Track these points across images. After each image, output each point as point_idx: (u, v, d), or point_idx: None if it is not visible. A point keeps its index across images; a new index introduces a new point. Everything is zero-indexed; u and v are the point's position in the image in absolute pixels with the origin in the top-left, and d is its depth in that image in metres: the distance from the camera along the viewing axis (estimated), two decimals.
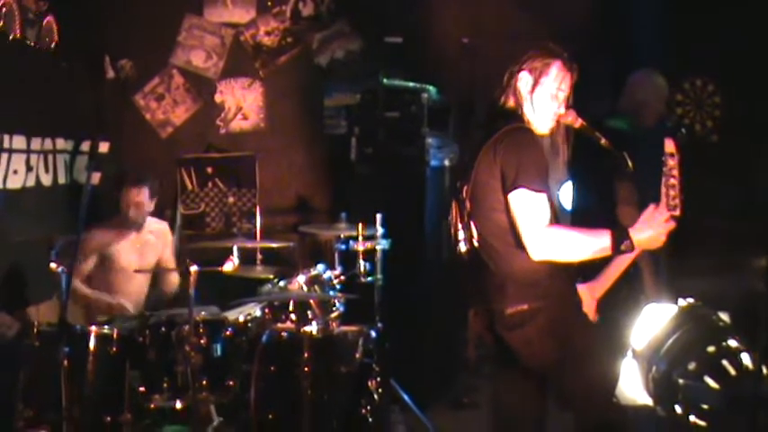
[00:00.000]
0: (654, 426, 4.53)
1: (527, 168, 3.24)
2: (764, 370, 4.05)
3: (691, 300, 4.64)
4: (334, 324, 4.60)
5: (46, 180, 5.42)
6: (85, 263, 5.00)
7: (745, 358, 4.27)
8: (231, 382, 4.28)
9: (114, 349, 4.18)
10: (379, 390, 4.48)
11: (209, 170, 6.65)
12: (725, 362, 4.29)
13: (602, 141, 3.52)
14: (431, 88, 5.94)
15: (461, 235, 3.50)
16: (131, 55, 6.49)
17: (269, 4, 6.65)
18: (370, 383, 4.45)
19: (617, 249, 3.25)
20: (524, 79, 3.43)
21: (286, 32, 6.66)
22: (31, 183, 5.25)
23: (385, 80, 5.87)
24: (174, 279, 5.43)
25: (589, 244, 3.26)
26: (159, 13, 6.55)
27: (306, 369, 4.14)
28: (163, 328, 4.24)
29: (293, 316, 4.47)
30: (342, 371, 4.37)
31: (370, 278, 5.04)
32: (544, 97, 3.43)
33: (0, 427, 4.12)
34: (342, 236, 5.10)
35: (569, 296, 3.46)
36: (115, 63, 6.41)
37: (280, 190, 6.68)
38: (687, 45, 6.04)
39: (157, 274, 5.37)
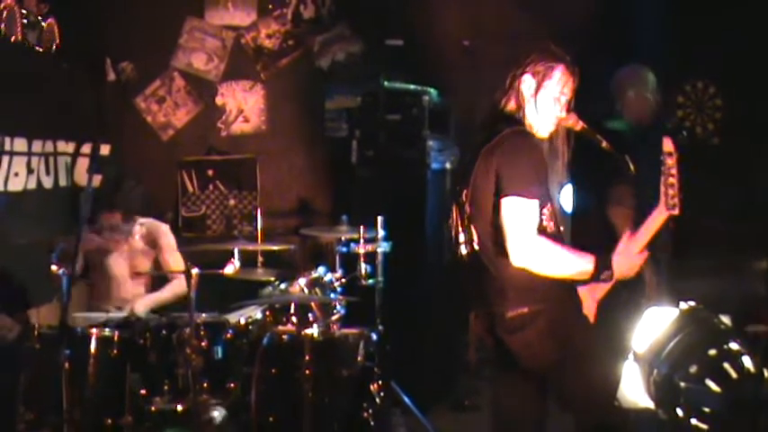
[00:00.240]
0: (655, 429, 4.52)
1: (522, 175, 3.24)
2: (766, 373, 4.04)
3: (692, 302, 4.63)
4: (335, 327, 4.60)
5: (47, 182, 5.42)
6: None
7: (747, 361, 4.26)
8: (232, 385, 4.29)
9: (115, 352, 4.18)
10: (381, 392, 4.48)
11: (210, 173, 6.66)
12: (726, 365, 4.28)
13: (604, 144, 3.52)
14: (432, 91, 5.94)
15: (462, 238, 3.50)
16: (132, 57, 6.49)
17: (270, 6, 6.66)
18: (371, 386, 4.45)
19: (596, 277, 3.29)
20: (527, 82, 3.42)
21: (287, 35, 6.67)
22: (32, 185, 5.25)
23: (386, 83, 5.87)
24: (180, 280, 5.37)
25: (571, 264, 3.27)
26: (160, 15, 6.55)
27: (307, 372, 4.14)
28: (164, 331, 4.25)
29: (294, 318, 4.47)
30: (343, 373, 4.37)
31: (371, 281, 5.04)
32: (547, 101, 3.42)
33: (1, 429, 4.12)
34: (343, 238, 5.10)
35: (569, 299, 3.46)
36: (116, 65, 6.41)
37: (281, 192, 6.68)
38: (688, 47, 6.04)
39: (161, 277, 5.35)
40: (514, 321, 3.34)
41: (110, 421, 4.11)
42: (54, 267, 3.93)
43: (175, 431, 4.17)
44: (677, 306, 4.59)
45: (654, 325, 4.54)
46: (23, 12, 5.18)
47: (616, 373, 3.69)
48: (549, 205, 3.33)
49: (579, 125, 3.51)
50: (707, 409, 4.23)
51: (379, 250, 5.04)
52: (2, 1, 4.98)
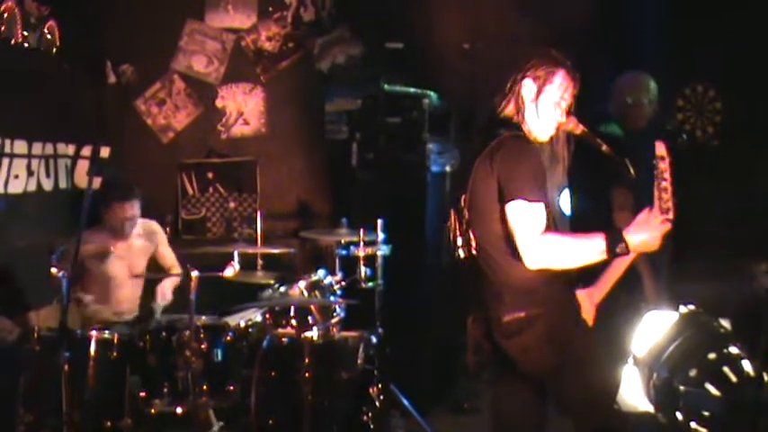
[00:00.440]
0: None
1: (524, 178, 3.24)
2: (765, 377, 4.04)
3: (691, 306, 4.63)
4: (334, 329, 4.60)
5: (47, 185, 5.42)
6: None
7: (746, 365, 4.26)
8: (232, 388, 4.29)
9: (115, 354, 4.19)
10: (380, 395, 4.48)
11: (210, 175, 6.66)
12: (726, 369, 4.28)
13: (604, 148, 3.52)
14: (432, 94, 5.95)
15: (459, 242, 3.50)
16: (133, 60, 6.49)
17: (270, 9, 6.66)
18: (370, 389, 4.45)
19: (612, 253, 3.24)
20: (528, 87, 3.42)
21: (287, 38, 6.67)
22: (32, 188, 5.25)
23: (386, 85, 5.88)
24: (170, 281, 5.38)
25: (584, 249, 3.25)
26: (160, 18, 6.55)
27: (306, 374, 4.14)
28: (163, 333, 4.25)
29: (294, 321, 4.47)
30: (342, 376, 4.37)
31: (370, 284, 5.04)
32: (547, 105, 3.43)
33: (1, 431, 4.12)
34: (342, 241, 5.10)
35: (567, 303, 3.46)
36: (116, 68, 6.41)
37: (281, 195, 6.68)
38: (688, 50, 6.04)
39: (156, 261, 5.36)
40: (511, 326, 3.34)
41: (109, 423, 4.12)
42: (54, 270, 3.93)
43: None
44: (677, 310, 4.60)
45: (653, 328, 4.54)
46: (24, 14, 5.18)
47: (615, 377, 3.69)
48: (547, 209, 3.33)
49: (579, 129, 3.51)
50: (706, 413, 4.23)
51: (379, 253, 5.04)
52: (2, 3, 4.98)
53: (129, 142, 6.52)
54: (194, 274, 4.03)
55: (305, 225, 6.33)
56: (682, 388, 4.28)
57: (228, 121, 6.71)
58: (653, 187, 3.30)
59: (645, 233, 3.25)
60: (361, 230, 5.00)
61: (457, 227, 3.51)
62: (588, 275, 3.78)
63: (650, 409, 4.49)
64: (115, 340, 4.20)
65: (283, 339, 4.45)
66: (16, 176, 5.06)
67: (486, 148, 3.34)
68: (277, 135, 6.70)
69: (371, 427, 4.37)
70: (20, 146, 5.09)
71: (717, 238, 5.80)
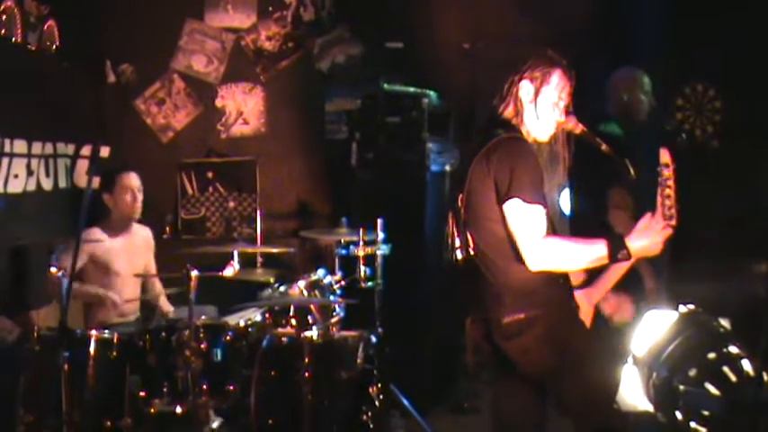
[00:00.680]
0: None
1: (520, 179, 3.24)
2: (765, 376, 4.04)
3: (691, 306, 4.63)
4: (334, 329, 4.60)
5: (47, 184, 5.42)
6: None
7: (746, 365, 4.26)
8: (231, 387, 4.28)
9: (114, 354, 4.18)
10: (380, 395, 4.48)
11: (210, 175, 6.67)
12: (726, 368, 4.28)
13: (603, 147, 3.52)
14: (431, 93, 5.95)
15: (457, 243, 3.50)
16: (132, 59, 6.50)
17: (270, 9, 6.66)
18: (370, 389, 4.45)
19: (614, 258, 3.26)
20: (525, 88, 3.43)
21: (287, 37, 6.67)
22: (31, 187, 5.25)
23: (386, 85, 5.88)
24: (167, 308, 5.40)
25: (586, 253, 3.26)
26: (160, 17, 6.56)
27: (306, 374, 4.14)
28: (163, 333, 4.24)
29: (294, 321, 4.47)
30: (342, 376, 4.37)
31: (370, 283, 5.04)
32: (546, 106, 3.43)
33: (1, 431, 4.12)
34: (342, 241, 5.10)
35: (566, 304, 3.46)
36: (116, 67, 6.42)
37: (280, 195, 6.68)
38: (688, 50, 6.04)
39: (146, 284, 5.35)
40: (511, 327, 3.34)
41: (109, 423, 4.10)
42: (53, 269, 3.93)
43: None
44: (676, 309, 4.60)
45: (653, 328, 4.54)
46: (24, 13, 5.18)
47: (615, 377, 3.68)
48: (546, 210, 3.33)
49: (579, 128, 3.51)
50: (706, 413, 4.23)
51: (379, 253, 5.04)
52: (2, 2, 4.98)
53: (128, 142, 6.52)
54: (194, 273, 4.02)
55: (304, 224, 6.33)
56: (681, 387, 4.28)
57: (228, 120, 6.71)
58: (654, 188, 3.30)
59: (646, 239, 3.26)
60: (361, 230, 4.99)
61: (454, 228, 3.51)
62: (587, 277, 3.80)
63: (650, 408, 4.49)
64: (115, 340, 4.20)
65: (283, 339, 4.44)
66: (16, 176, 5.06)
67: (483, 149, 3.34)
68: (277, 135, 6.70)
69: (371, 426, 4.37)
70: (19, 145, 5.09)
71: (716, 238, 5.80)
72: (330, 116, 6.31)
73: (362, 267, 5.00)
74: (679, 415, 4.29)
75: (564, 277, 3.42)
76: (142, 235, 5.38)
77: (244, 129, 6.72)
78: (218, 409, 4.27)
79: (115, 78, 6.42)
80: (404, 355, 5.01)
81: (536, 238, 3.22)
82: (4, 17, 4.99)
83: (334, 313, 4.65)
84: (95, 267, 5.05)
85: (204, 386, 4.17)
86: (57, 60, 5.57)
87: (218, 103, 6.70)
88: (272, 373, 4.29)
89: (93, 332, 4.18)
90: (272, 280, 4.80)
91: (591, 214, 4.58)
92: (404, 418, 5.09)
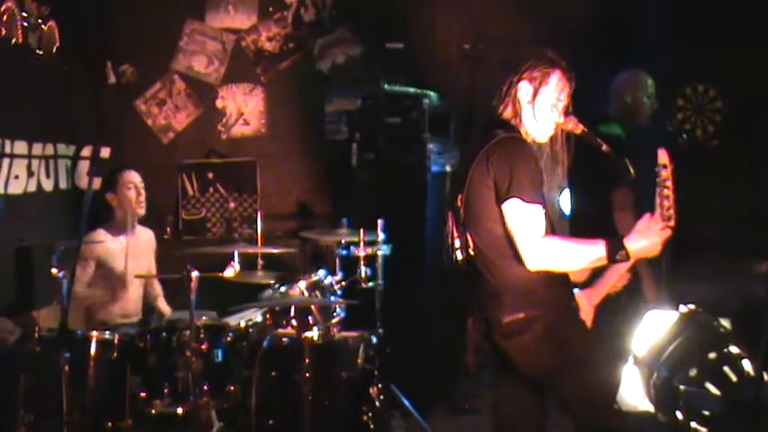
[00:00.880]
0: None
1: (520, 179, 3.25)
2: (766, 376, 4.04)
3: (692, 306, 4.63)
4: (334, 330, 4.60)
5: (47, 185, 5.42)
6: (85, 269, 4.96)
7: (747, 365, 4.26)
8: (232, 388, 4.29)
9: (115, 354, 4.19)
10: (380, 395, 4.48)
11: (211, 175, 6.67)
12: (726, 368, 4.28)
13: (604, 148, 3.53)
14: (432, 94, 5.95)
15: (457, 244, 3.51)
16: (133, 60, 6.49)
17: (270, 9, 6.66)
18: (371, 389, 4.45)
19: (612, 259, 3.26)
20: (524, 89, 3.43)
21: (287, 38, 6.67)
22: (32, 188, 5.25)
23: (386, 86, 5.88)
24: (166, 310, 5.41)
25: (584, 254, 3.27)
26: (160, 18, 6.56)
27: (306, 375, 4.14)
28: (164, 334, 4.25)
29: (294, 321, 4.47)
30: (343, 376, 4.37)
31: (371, 284, 5.04)
32: (544, 107, 3.43)
33: None
34: (343, 241, 5.10)
35: (565, 304, 3.47)
36: (116, 68, 6.41)
37: (281, 195, 6.68)
38: (689, 50, 6.04)
39: (146, 286, 5.36)
40: (511, 327, 3.34)
41: (110, 424, 4.12)
42: (54, 270, 3.93)
43: None
44: (677, 309, 4.60)
45: (653, 328, 4.54)
46: (24, 14, 5.18)
47: (615, 377, 3.69)
48: (546, 210, 3.33)
49: (579, 129, 3.51)
50: (706, 413, 4.23)
51: (379, 253, 5.04)
52: (2, 3, 4.98)
53: (129, 143, 6.52)
54: (194, 274, 4.03)
55: (305, 225, 6.33)
56: (682, 387, 4.28)
57: (228, 121, 6.71)
58: (654, 190, 3.30)
59: (645, 240, 3.27)
60: (362, 230, 5.00)
61: (454, 228, 3.52)
62: (587, 277, 3.80)
63: (650, 408, 4.49)
64: (116, 341, 4.21)
65: (283, 339, 4.45)
66: (16, 177, 5.06)
67: (482, 150, 3.35)
68: (277, 135, 6.70)
69: (371, 427, 4.37)
70: (20, 146, 5.09)
71: (717, 238, 5.80)
72: (330, 117, 6.31)
73: (363, 268, 5.00)
74: (679, 415, 4.30)
75: (564, 277, 3.42)
76: (146, 236, 5.40)
77: (244, 129, 6.72)
78: (218, 409, 4.27)
79: (116, 79, 6.42)
80: (404, 355, 5.01)
81: (535, 238, 3.22)
82: (4, 18, 4.99)
83: (335, 314, 4.65)
84: (98, 269, 5.06)
85: (205, 387, 4.18)
86: (57, 61, 5.57)
87: (219, 103, 6.70)
88: (273, 373, 4.30)
89: (94, 333, 4.19)
90: (272, 281, 4.80)
91: (591, 214, 4.59)
92: (404, 418, 5.10)
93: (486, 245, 3.39)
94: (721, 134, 6.33)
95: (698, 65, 6.20)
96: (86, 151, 5.81)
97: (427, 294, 5.68)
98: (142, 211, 5.21)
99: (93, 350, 4.13)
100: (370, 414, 4.40)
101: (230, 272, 4.44)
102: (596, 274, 3.85)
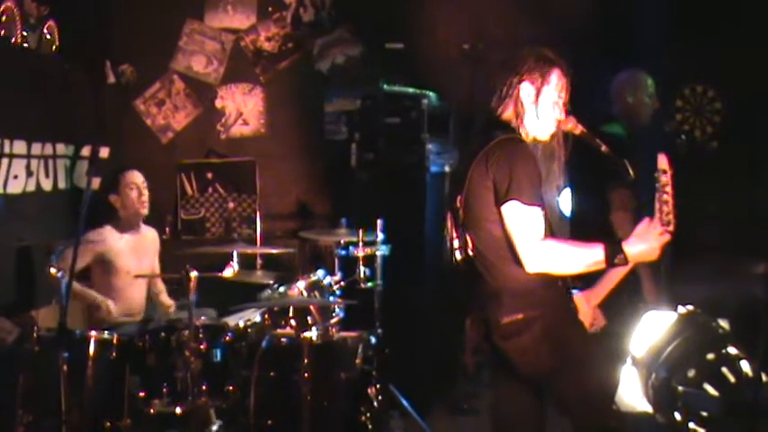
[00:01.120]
0: None
1: (519, 180, 3.25)
2: (764, 377, 4.05)
3: (690, 307, 4.64)
4: (333, 330, 4.60)
5: (46, 185, 5.42)
6: (79, 259, 4.95)
7: (745, 366, 4.27)
8: (231, 388, 4.28)
9: (114, 354, 4.18)
10: (379, 396, 4.48)
11: (210, 175, 6.67)
12: (724, 369, 4.29)
13: (603, 148, 3.53)
14: (431, 94, 5.95)
15: (456, 244, 3.51)
16: (132, 60, 6.50)
17: (269, 9, 6.66)
18: (369, 389, 4.45)
19: (611, 263, 3.27)
20: (526, 90, 3.42)
21: (287, 38, 6.68)
22: (31, 188, 5.25)
23: (385, 86, 5.88)
24: (168, 302, 5.41)
25: (583, 257, 3.28)
26: (160, 18, 6.57)
27: (305, 375, 4.14)
28: (162, 334, 4.25)
29: (293, 322, 4.46)
30: (341, 377, 4.37)
31: (369, 284, 5.04)
32: (546, 105, 3.44)
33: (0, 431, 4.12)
34: (342, 241, 5.10)
35: (564, 305, 3.47)
36: (116, 68, 6.42)
37: (280, 195, 6.69)
38: (687, 51, 6.04)
39: (150, 284, 5.36)
40: (509, 327, 3.34)
41: (108, 424, 4.11)
42: (53, 270, 3.93)
43: None
44: (676, 310, 4.60)
45: (652, 329, 4.55)
46: (23, 14, 5.19)
47: (614, 378, 3.70)
48: (545, 212, 3.33)
49: (579, 129, 3.51)
50: (705, 413, 4.24)
51: (378, 253, 5.04)
52: (2, 3, 4.98)
53: (128, 142, 6.53)
54: (193, 274, 4.02)
55: (304, 225, 6.33)
56: (680, 388, 4.29)
57: (228, 121, 6.71)
58: (653, 194, 3.31)
59: (644, 244, 3.27)
60: (361, 231, 4.99)
61: (453, 228, 3.52)
62: (587, 278, 3.80)
63: (649, 409, 4.50)
64: (114, 340, 4.20)
65: (282, 340, 4.45)
66: (15, 177, 5.06)
67: (482, 151, 3.35)
68: (276, 135, 6.71)
69: (370, 427, 4.37)
70: (19, 146, 5.09)
71: (716, 239, 5.80)
72: (330, 117, 6.31)
73: (362, 268, 5.00)
74: (678, 416, 4.30)
75: (562, 278, 3.42)
76: (150, 236, 5.40)
77: (243, 129, 6.72)
78: (217, 409, 4.27)
79: (115, 79, 6.42)
80: (403, 355, 5.01)
81: (533, 241, 3.23)
82: (3, 18, 5.00)
83: (334, 314, 4.64)
84: (102, 266, 5.06)
85: (204, 387, 4.17)
86: (56, 61, 5.58)
87: (218, 103, 6.71)
88: (272, 373, 4.30)
89: (93, 333, 4.18)
90: (271, 281, 4.80)
91: (591, 215, 4.59)
92: (403, 418, 5.09)
93: (485, 246, 3.39)
94: (720, 135, 6.34)
95: (697, 65, 6.20)
96: (85, 151, 5.82)
97: (426, 295, 5.68)
98: (145, 211, 5.22)
99: (91, 350, 4.12)
100: (368, 414, 4.40)
101: (229, 272, 4.43)
102: (596, 276, 3.86)
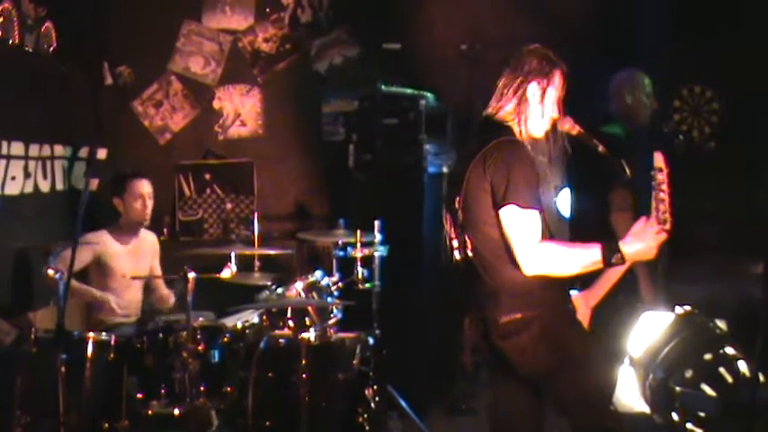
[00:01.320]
0: None
1: (516, 183, 3.25)
2: (761, 377, 4.05)
3: (688, 307, 4.64)
4: (331, 331, 4.60)
5: (44, 186, 5.42)
6: (78, 260, 4.95)
7: (742, 366, 4.27)
8: (229, 389, 4.29)
9: (112, 355, 4.18)
10: (377, 397, 4.48)
11: (207, 176, 6.67)
12: (722, 369, 4.29)
13: (600, 149, 3.53)
14: (429, 95, 5.95)
15: (455, 244, 3.51)
16: (130, 61, 6.50)
17: (267, 10, 6.66)
18: (367, 390, 4.45)
19: (608, 262, 3.27)
20: (532, 89, 3.43)
21: (284, 39, 6.67)
22: (29, 189, 5.25)
23: (383, 87, 5.88)
24: (165, 292, 5.41)
25: (580, 258, 3.28)
26: (157, 19, 6.56)
27: (303, 376, 4.14)
28: (160, 335, 4.25)
29: (291, 322, 4.47)
30: (339, 377, 4.38)
31: (367, 285, 5.05)
32: (550, 105, 3.45)
33: None
34: (340, 242, 5.11)
35: (562, 305, 3.47)
36: (113, 69, 6.42)
37: (278, 196, 6.68)
38: (686, 51, 6.05)
39: (148, 286, 5.36)
40: (508, 327, 3.35)
41: (106, 425, 4.11)
42: (51, 271, 3.93)
43: None
44: (673, 310, 4.60)
45: (650, 329, 4.55)
46: (21, 15, 5.18)
47: (611, 378, 3.69)
48: (542, 213, 3.34)
49: (576, 129, 3.52)
50: (702, 414, 4.24)
51: (376, 254, 5.05)
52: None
53: (126, 144, 6.52)
54: (191, 275, 4.02)
55: (302, 226, 6.33)
56: (678, 389, 4.29)
57: (225, 122, 6.71)
58: (650, 193, 3.31)
59: (641, 243, 3.28)
60: (359, 231, 5.00)
61: (452, 229, 3.52)
62: (585, 278, 3.80)
63: (646, 409, 4.50)
64: (112, 341, 4.20)
65: (280, 340, 4.45)
66: (13, 178, 5.06)
67: (479, 152, 3.35)
68: (274, 136, 6.70)
69: (367, 428, 4.38)
70: (17, 147, 5.09)
71: (713, 239, 5.81)
72: (327, 118, 6.32)
73: (360, 269, 5.00)
74: (675, 416, 4.30)
75: (560, 279, 3.42)
76: (149, 239, 5.41)
77: (241, 130, 6.72)
78: (215, 410, 4.27)
79: (112, 80, 6.42)
80: (401, 356, 5.02)
81: (531, 244, 3.23)
82: (1, 19, 5.00)
83: (332, 315, 4.65)
84: (99, 269, 5.07)
85: (202, 388, 4.18)
86: (54, 62, 5.57)
87: (216, 104, 6.71)
88: (270, 374, 4.30)
89: (91, 334, 4.19)
90: (269, 282, 4.80)
91: (590, 216, 4.59)
92: (401, 419, 5.09)
93: (483, 247, 3.40)
94: (718, 135, 6.34)
95: (695, 65, 6.20)
96: (83, 152, 5.81)
97: (424, 295, 5.68)
98: (146, 222, 5.24)
99: (89, 351, 4.12)
100: (365, 415, 4.40)
101: (227, 273, 4.43)
102: (594, 276, 3.86)
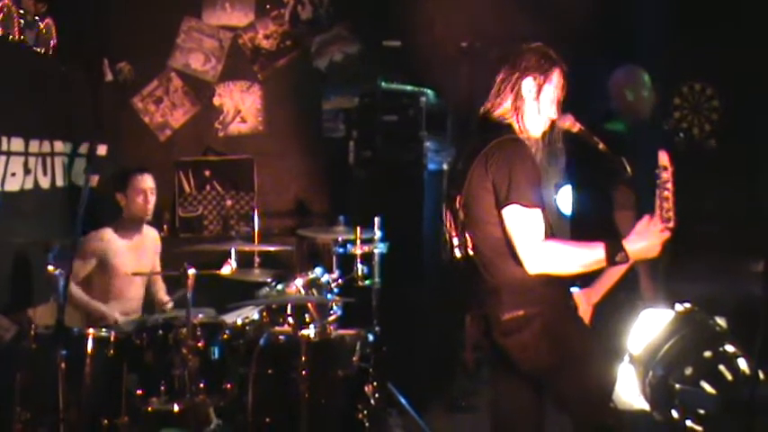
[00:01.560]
0: (650, 430, 4.53)
1: (518, 182, 3.25)
2: (761, 375, 4.05)
3: (688, 304, 4.64)
4: (331, 327, 4.60)
5: (44, 183, 5.41)
6: (83, 266, 4.97)
7: (742, 363, 4.27)
8: (228, 386, 4.28)
9: (111, 352, 4.18)
10: (376, 393, 4.48)
11: (207, 173, 6.67)
12: (722, 367, 4.29)
13: (600, 146, 3.53)
14: (429, 92, 5.94)
15: (456, 242, 3.51)
16: (130, 58, 6.49)
17: (267, 7, 6.66)
18: (367, 387, 4.45)
19: (611, 261, 3.27)
20: (528, 86, 3.42)
21: (285, 36, 6.68)
22: (29, 185, 5.25)
23: (383, 84, 5.88)
24: (165, 299, 5.41)
25: (584, 257, 3.28)
26: (158, 15, 6.56)
27: (303, 372, 4.14)
28: (160, 331, 4.25)
29: (291, 319, 4.47)
30: (339, 374, 4.38)
31: (367, 281, 5.04)
32: (546, 103, 3.44)
33: None
34: (340, 239, 5.10)
35: (564, 302, 3.47)
36: (114, 66, 6.41)
37: (278, 193, 6.69)
38: (686, 49, 6.05)
39: (149, 284, 5.36)
40: (510, 324, 3.35)
41: (106, 421, 4.11)
42: (51, 268, 3.93)
43: (172, 431, 4.17)
44: (673, 308, 4.60)
45: (649, 327, 4.55)
46: (21, 11, 5.18)
47: (611, 375, 3.69)
48: (544, 212, 3.33)
49: (576, 127, 3.52)
50: (702, 411, 4.24)
51: (376, 251, 5.04)
52: None
53: (126, 140, 6.52)
54: (191, 271, 4.02)
55: (302, 223, 6.34)
56: (677, 386, 4.29)
57: (226, 118, 6.71)
58: (653, 191, 3.31)
59: (644, 241, 3.28)
60: (359, 228, 4.99)
61: (453, 227, 3.52)
62: (586, 276, 3.80)
63: (646, 407, 4.50)
64: (112, 338, 4.20)
65: (280, 337, 4.45)
66: (13, 174, 5.06)
67: (481, 151, 3.34)
68: (274, 133, 6.71)
69: (367, 425, 4.38)
70: (17, 143, 5.09)
71: (713, 237, 5.81)
72: (327, 114, 6.32)
73: (360, 266, 4.99)
74: (675, 413, 4.30)
75: (562, 276, 3.42)
76: (151, 236, 5.41)
77: (241, 127, 6.72)
78: (215, 407, 4.27)
79: (113, 77, 6.41)
80: (401, 353, 5.01)
81: (534, 243, 3.23)
82: (1, 15, 4.99)
83: (332, 312, 4.64)
84: (101, 267, 5.07)
85: (201, 384, 4.17)
86: (54, 59, 5.57)
87: (216, 101, 6.71)
88: (269, 371, 4.30)
89: (90, 330, 4.19)
90: (269, 279, 4.80)
91: (592, 213, 4.59)
92: (401, 416, 5.09)
93: (484, 245, 3.40)
94: (718, 133, 6.34)
95: (695, 63, 6.20)
96: (83, 149, 5.81)
97: (424, 292, 5.68)
98: (149, 217, 5.23)
99: (89, 347, 4.12)
100: (365, 412, 4.40)
101: (227, 269, 4.44)
102: (595, 273, 3.85)
